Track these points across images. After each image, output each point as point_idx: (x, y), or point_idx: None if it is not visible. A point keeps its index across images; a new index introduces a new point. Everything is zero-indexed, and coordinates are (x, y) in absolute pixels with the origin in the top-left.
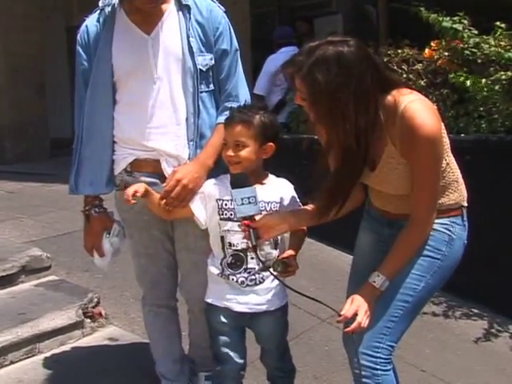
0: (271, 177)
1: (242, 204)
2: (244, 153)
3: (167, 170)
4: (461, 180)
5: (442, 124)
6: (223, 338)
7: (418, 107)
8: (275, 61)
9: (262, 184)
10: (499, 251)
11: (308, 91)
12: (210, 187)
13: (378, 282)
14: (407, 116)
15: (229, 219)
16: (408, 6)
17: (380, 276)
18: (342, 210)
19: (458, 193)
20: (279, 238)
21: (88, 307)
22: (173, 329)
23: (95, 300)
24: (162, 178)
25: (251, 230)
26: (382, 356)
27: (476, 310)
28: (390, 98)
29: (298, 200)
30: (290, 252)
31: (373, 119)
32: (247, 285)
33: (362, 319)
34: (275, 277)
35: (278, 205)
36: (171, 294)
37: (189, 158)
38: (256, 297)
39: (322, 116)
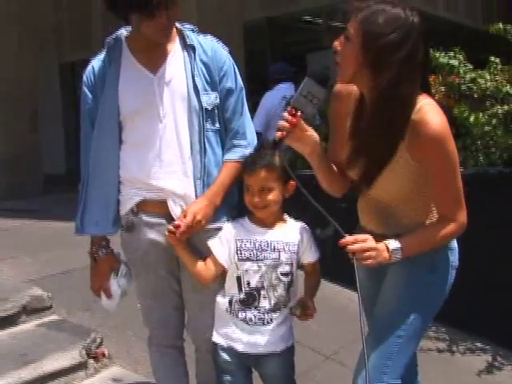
0: (289, 218)
1: (305, 97)
2: (271, 196)
3: (174, 210)
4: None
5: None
6: (229, 378)
7: (428, 108)
8: (272, 97)
9: (283, 223)
10: (499, 284)
11: (362, 36)
12: (229, 229)
13: (392, 245)
14: (418, 115)
15: (247, 259)
16: None
17: (396, 242)
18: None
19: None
20: (292, 281)
21: (91, 347)
22: (179, 369)
23: (98, 340)
24: (169, 218)
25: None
26: None
27: (479, 344)
28: None
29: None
30: (312, 290)
31: (413, 93)
32: (255, 323)
33: (368, 247)
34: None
35: (296, 247)
36: (178, 334)
37: (196, 197)
38: (261, 338)
39: (363, 64)
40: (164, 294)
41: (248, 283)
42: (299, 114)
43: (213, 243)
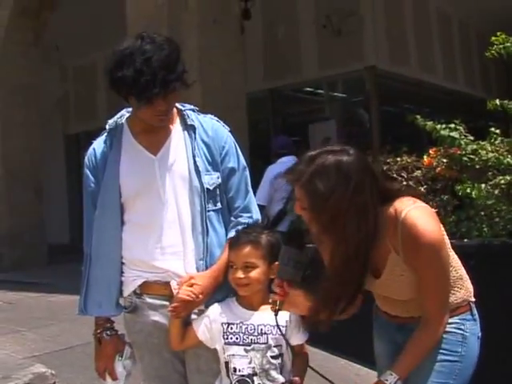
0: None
1: (287, 265)
2: (254, 274)
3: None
4: (465, 276)
5: (442, 226)
6: None
7: (417, 215)
8: (275, 171)
9: (269, 305)
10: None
11: (308, 200)
12: (216, 310)
13: (391, 380)
14: (408, 225)
15: (234, 343)
16: (401, 110)
17: (393, 375)
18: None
19: (464, 290)
20: (283, 361)
21: None
22: None
23: None
24: (172, 299)
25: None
26: None
27: None
28: (390, 208)
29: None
30: (299, 372)
31: (372, 230)
32: None
33: None
34: None
35: (285, 329)
36: None
37: None
38: None
39: (321, 225)
40: (168, 376)
41: (235, 369)
42: (285, 284)
43: (195, 320)
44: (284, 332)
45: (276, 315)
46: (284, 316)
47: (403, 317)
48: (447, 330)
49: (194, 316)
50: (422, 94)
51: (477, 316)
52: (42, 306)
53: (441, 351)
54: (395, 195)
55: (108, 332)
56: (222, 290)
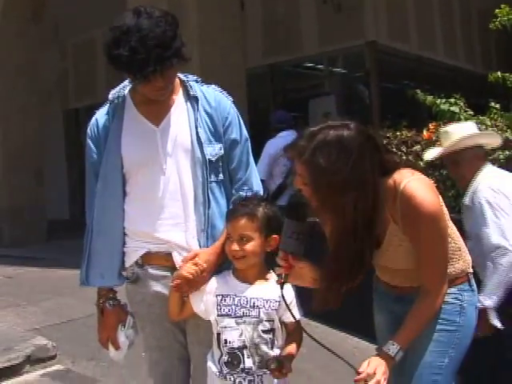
0: (273, 274)
1: (290, 237)
2: (249, 246)
3: (179, 262)
4: (464, 247)
5: (440, 197)
6: None
7: (415, 186)
8: (274, 145)
9: (264, 280)
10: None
11: (309, 176)
12: (212, 283)
13: (393, 350)
14: (407, 196)
15: (226, 315)
16: (401, 87)
17: (395, 345)
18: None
19: (462, 261)
20: (275, 337)
21: None
22: None
23: None
24: (174, 270)
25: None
26: None
27: None
28: (390, 180)
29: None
30: (290, 350)
31: (372, 202)
32: None
33: (381, 378)
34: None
35: (277, 304)
36: None
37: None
38: None
39: (322, 200)
40: (169, 346)
41: (225, 341)
42: (290, 256)
43: (193, 299)
44: (276, 307)
45: (282, 288)
46: (278, 292)
47: (402, 287)
48: (446, 300)
49: None
50: (422, 70)
51: (475, 286)
52: (42, 281)
53: (439, 321)
54: (395, 167)
55: (110, 302)
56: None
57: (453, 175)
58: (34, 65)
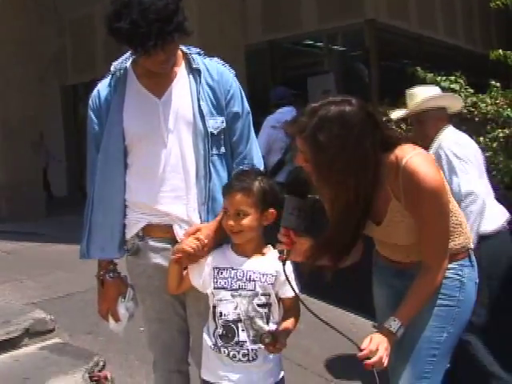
0: (271, 248)
1: (291, 214)
2: (245, 221)
3: (179, 235)
4: (464, 223)
5: (441, 172)
6: None
7: (417, 161)
8: (273, 121)
9: (262, 254)
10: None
11: (311, 152)
12: (210, 256)
13: (394, 326)
14: (409, 171)
15: (222, 288)
16: (401, 65)
17: (396, 321)
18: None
19: (463, 236)
20: (271, 312)
21: (94, 371)
22: None
23: (101, 364)
24: (174, 243)
25: (285, 250)
26: None
27: None
28: (391, 156)
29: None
30: (286, 325)
31: (373, 178)
32: (239, 360)
33: (383, 354)
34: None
35: (274, 278)
36: (182, 358)
37: (201, 222)
38: (248, 375)
39: (324, 176)
40: (169, 319)
41: (221, 314)
42: (291, 232)
43: (191, 272)
44: (273, 282)
45: (284, 264)
46: (275, 267)
47: (403, 262)
48: (446, 275)
49: None
50: (422, 49)
51: (475, 262)
52: (40, 256)
53: (439, 296)
54: (396, 143)
55: (111, 274)
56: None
57: (417, 134)
58: (32, 41)
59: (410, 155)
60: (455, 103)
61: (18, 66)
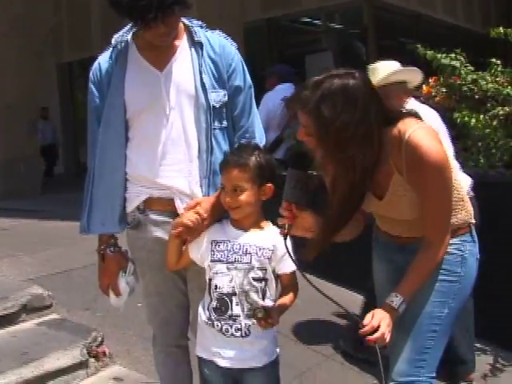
0: (269, 223)
1: (294, 188)
2: (243, 197)
3: (181, 208)
4: (466, 198)
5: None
6: None
7: (421, 135)
8: (272, 98)
9: (260, 228)
10: (499, 285)
11: (315, 126)
12: (210, 229)
13: (396, 302)
14: (412, 145)
15: (219, 261)
16: (399, 44)
17: (398, 297)
18: (344, 237)
19: (464, 211)
20: (267, 287)
21: (92, 346)
22: (184, 369)
23: (99, 339)
24: (175, 216)
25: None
26: None
27: (479, 345)
28: (394, 129)
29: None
30: (282, 301)
31: (377, 152)
32: (232, 334)
33: (385, 330)
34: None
35: (271, 252)
36: (182, 333)
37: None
38: (240, 351)
39: (327, 151)
40: (169, 293)
41: (216, 287)
42: (293, 206)
43: (190, 245)
44: (270, 256)
45: (285, 239)
46: (272, 241)
47: (404, 237)
48: (447, 250)
49: None
50: (420, 27)
51: (476, 238)
52: (37, 232)
53: (441, 271)
54: (399, 116)
55: (111, 248)
56: None
57: None
58: (28, 18)
59: (413, 129)
60: (416, 77)
61: (14, 44)
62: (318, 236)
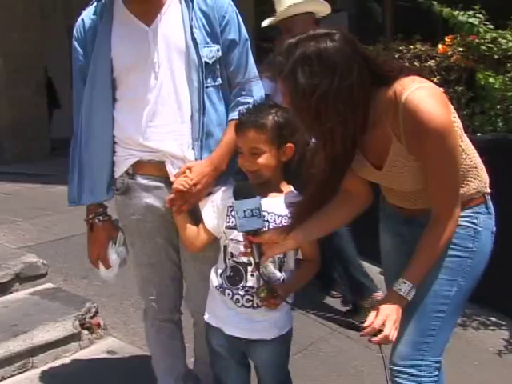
0: (290, 187)
1: (245, 217)
2: (262, 160)
3: (172, 173)
4: (480, 165)
5: (452, 107)
6: (222, 362)
7: (419, 96)
8: None
9: (280, 192)
10: None
11: (290, 94)
12: (223, 194)
13: (404, 289)
14: (409, 109)
15: (235, 227)
16: (416, 5)
17: (406, 283)
18: (350, 214)
19: (478, 179)
20: (286, 258)
21: (85, 318)
22: (176, 344)
23: (93, 310)
24: (167, 181)
25: (254, 246)
26: (427, 374)
27: (494, 319)
28: (389, 91)
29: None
30: (293, 279)
31: (362, 120)
32: (243, 305)
33: (390, 331)
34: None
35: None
36: (175, 307)
37: (195, 160)
38: (250, 322)
39: (306, 120)
40: (161, 264)
41: (231, 254)
42: (251, 236)
43: (204, 208)
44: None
45: (258, 270)
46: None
47: (411, 209)
48: (459, 223)
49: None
50: None
51: (492, 209)
52: (40, 197)
53: (451, 246)
54: (395, 76)
55: (100, 217)
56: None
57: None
58: None
59: (410, 90)
60: (323, 8)
61: (21, 3)
62: (297, 216)
